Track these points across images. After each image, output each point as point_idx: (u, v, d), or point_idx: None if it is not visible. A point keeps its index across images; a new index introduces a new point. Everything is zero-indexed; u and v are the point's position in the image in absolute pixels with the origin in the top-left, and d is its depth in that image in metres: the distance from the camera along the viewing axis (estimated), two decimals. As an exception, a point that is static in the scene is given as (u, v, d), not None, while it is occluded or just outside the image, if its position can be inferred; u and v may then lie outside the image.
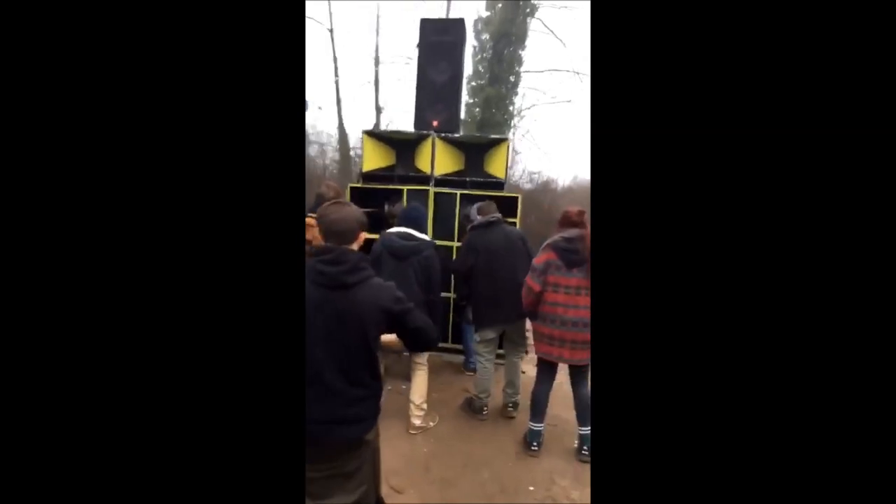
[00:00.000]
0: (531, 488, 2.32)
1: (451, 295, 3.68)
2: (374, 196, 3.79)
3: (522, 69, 11.08)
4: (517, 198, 3.68)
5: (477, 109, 10.32)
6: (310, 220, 2.79)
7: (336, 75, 10.07)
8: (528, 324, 2.79)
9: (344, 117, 10.53)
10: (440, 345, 3.82)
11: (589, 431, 2.55)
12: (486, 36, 10.46)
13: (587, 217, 2.40)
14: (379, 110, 10.57)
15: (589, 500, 2.25)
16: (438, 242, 3.11)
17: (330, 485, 1.39)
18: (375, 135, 3.94)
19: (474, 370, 3.62)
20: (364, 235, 1.49)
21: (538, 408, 2.60)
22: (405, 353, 2.93)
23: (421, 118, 3.87)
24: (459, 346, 3.81)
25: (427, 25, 3.89)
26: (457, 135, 3.85)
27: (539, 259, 2.44)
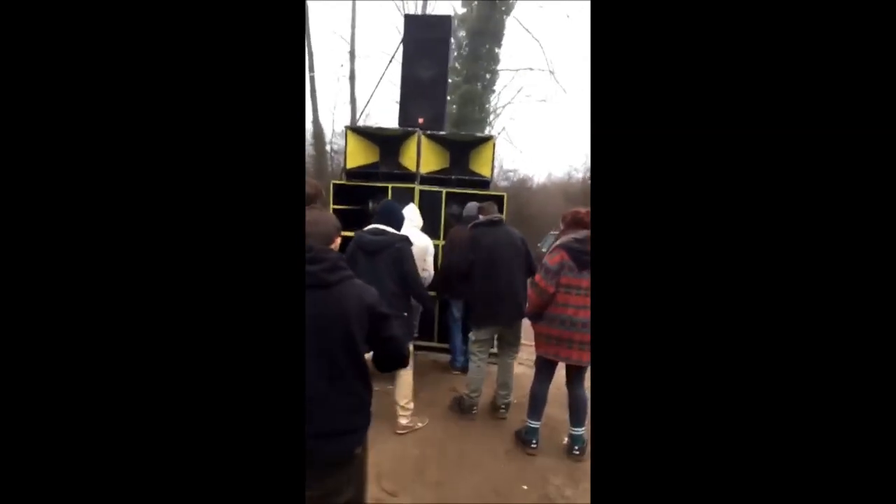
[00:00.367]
0: (525, 487, 2.33)
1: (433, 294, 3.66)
2: (358, 193, 3.72)
3: (499, 67, 11.15)
4: (503, 196, 3.67)
5: (454, 107, 10.31)
6: None
7: (311, 70, 9.84)
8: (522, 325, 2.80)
9: (319, 112, 10.33)
10: (427, 344, 3.80)
11: (581, 432, 2.57)
12: (462, 33, 10.46)
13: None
14: (355, 105, 10.41)
15: (583, 499, 2.27)
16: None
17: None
18: (359, 131, 3.86)
19: (461, 369, 3.62)
20: (339, 239, 1.46)
21: (537, 405, 2.60)
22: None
23: (406, 115, 3.82)
24: (446, 346, 3.79)
25: (412, 21, 3.85)
26: (442, 132, 3.82)
27: (553, 260, 2.41)
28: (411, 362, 2.68)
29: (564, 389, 2.63)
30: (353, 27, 10.34)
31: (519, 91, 11.78)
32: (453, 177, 3.78)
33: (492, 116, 11.64)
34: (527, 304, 2.60)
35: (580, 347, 2.38)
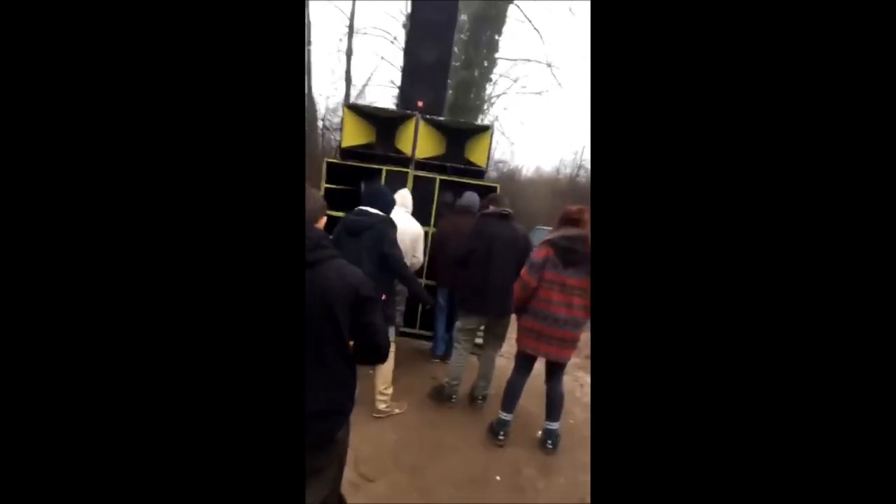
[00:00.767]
0: (498, 478, 2.37)
1: (424, 281, 3.65)
2: (352, 174, 3.66)
3: (497, 55, 11.03)
4: (496, 188, 3.67)
5: (450, 92, 10.19)
6: None
7: (308, 42, 9.56)
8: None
9: (314, 87, 10.08)
10: (409, 330, 3.80)
11: (556, 427, 2.62)
12: (464, 17, 10.30)
13: (587, 216, 2.42)
14: (350, 82, 10.20)
15: (554, 491, 2.33)
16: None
17: None
18: (357, 110, 3.79)
19: (441, 357, 3.64)
20: (325, 219, 1.41)
21: (511, 399, 2.64)
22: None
23: (405, 97, 3.76)
24: (428, 333, 3.80)
25: (418, 3, 3.76)
26: (441, 118, 3.77)
27: (538, 254, 2.43)
28: (392, 347, 2.69)
29: (542, 384, 2.67)
30: (353, 2, 10.08)
31: (515, 81, 11.70)
32: (449, 164, 3.75)
33: (486, 105, 11.57)
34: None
35: (559, 344, 2.41)
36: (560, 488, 2.36)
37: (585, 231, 2.39)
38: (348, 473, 1.78)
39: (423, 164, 3.70)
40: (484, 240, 2.74)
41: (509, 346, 3.54)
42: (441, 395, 3.01)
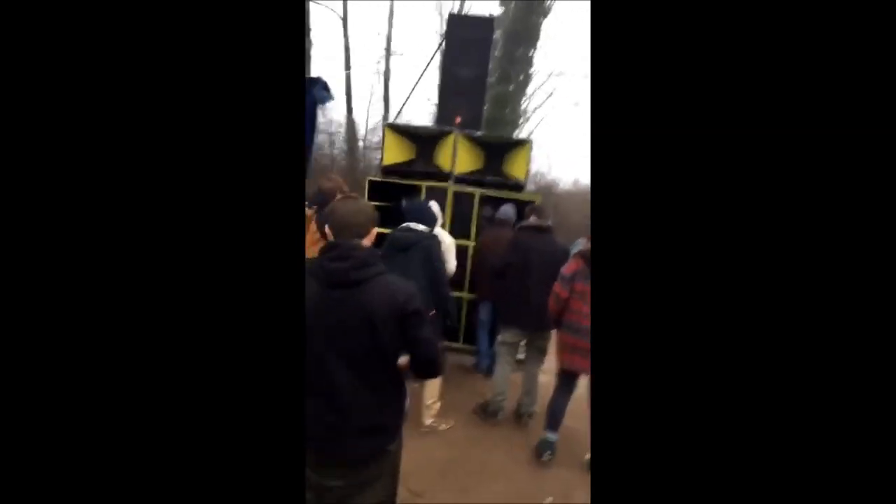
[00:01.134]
0: (550, 499, 2.29)
1: (465, 294, 3.64)
2: (392, 190, 3.73)
3: (532, 69, 11.05)
4: (535, 201, 3.63)
5: (485, 107, 10.26)
6: (307, 213, 2.73)
7: (347, 66, 9.93)
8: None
9: (353, 107, 10.42)
10: (451, 344, 3.78)
11: None
12: (497, 33, 10.40)
13: None
14: (388, 103, 10.47)
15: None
16: (455, 242, 3.07)
17: (348, 494, 1.32)
18: (397, 128, 3.87)
19: (485, 372, 3.59)
20: (376, 231, 1.38)
21: (555, 418, 2.56)
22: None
23: (443, 114, 3.81)
24: (471, 347, 3.77)
25: (455, 21, 3.83)
26: (479, 133, 3.79)
27: (568, 268, 2.43)
28: None
29: (588, 403, 2.57)
30: (390, 25, 10.40)
31: (550, 95, 11.67)
32: (487, 178, 3.75)
33: (522, 119, 11.57)
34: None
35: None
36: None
37: None
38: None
39: (462, 179, 3.72)
40: (521, 252, 2.73)
41: (551, 363, 3.46)
42: (486, 412, 2.96)
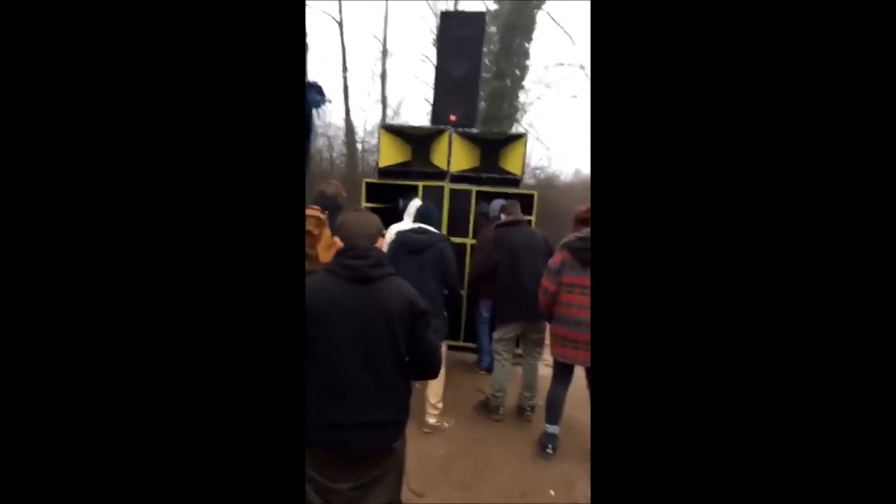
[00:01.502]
0: (552, 492, 2.31)
1: (464, 291, 3.66)
2: (389, 191, 3.75)
3: (528, 62, 10.98)
4: (533, 195, 3.65)
5: (483, 103, 10.23)
6: (309, 212, 2.75)
7: (344, 68, 9.94)
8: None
9: (351, 110, 10.44)
10: (453, 343, 3.80)
11: None
12: (493, 28, 10.35)
13: None
14: (386, 104, 10.47)
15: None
16: (454, 240, 3.09)
17: (355, 497, 1.36)
18: (392, 129, 3.89)
19: (487, 369, 3.62)
20: (381, 240, 1.53)
21: (554, 409, 2.58)
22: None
23: (438, 113, 3.82)
24: (473, 345, 3.79)
25: (447, 19, 3.83)
26: (474, 130, 3.80)
27: (555, 260, 2.45)
28: (443, 360, 2.72)
29: (587, 392, 2.60)
30: (385, 26, 10.38)
31: (549, 87, 11.59)
32: (483, 175, 3.76)
33: (520, 113, 11.51)
34: None
35: (586, 347, 2.35)
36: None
37: None
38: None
39: (458, 177, 3.74)
40: (504, 250, 2.79)
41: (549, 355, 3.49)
42: (488, 408, 2.99)
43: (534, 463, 2.54)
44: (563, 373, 2.56)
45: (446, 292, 2.61)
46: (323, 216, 2.71)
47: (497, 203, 3.37)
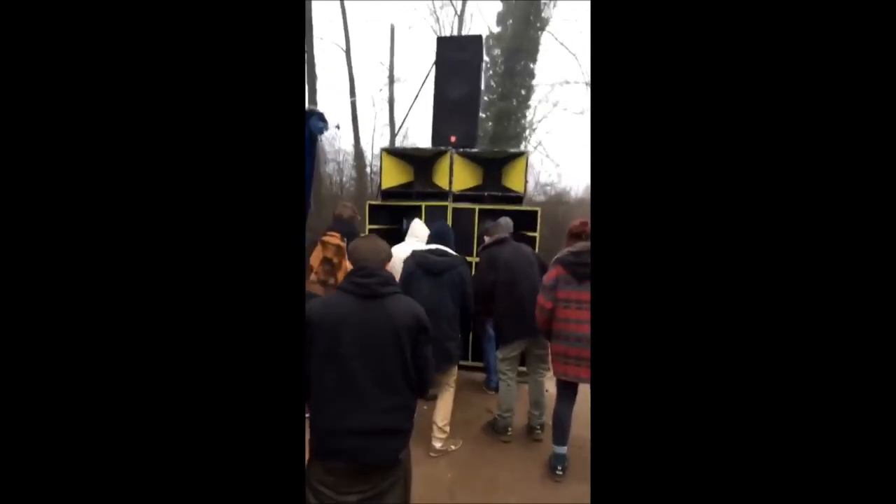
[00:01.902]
0: (561, 514, 2.24)
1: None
2: (392, 213, 3.78)
3: (534, 82, 11.12)
4: (537, 212, 3.64)
5: (489, 124, 10.34)
6: (329, 239, 2.78)
7: (352, 95, 10.19)
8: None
9: (360, 135, 10.65)
10: (461, 363, 3.75)
11: None
12: (497, 51, 10.54)
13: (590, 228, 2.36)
14: (394, 128, 10.66)
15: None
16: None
17: None
18: (394, 152, 3.94)
19: (496, 389, 3.55)
20: (389, 265, 1.64)
21: (561, 430, 2.51)
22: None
23: (438, 134, 3.87)
24: (480, 364, 3.74)
25: (444, 43, 3.92)
26: (474, 149, 3.83)
27: (549, 276, 2.42)
28: (454, 382, 2.71)
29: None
30: (391, 52, 10.64)
31: (555, 105, 11.69)
32: (486, 193, 3.78)
33: (528, 131, 11.59)
34: None
35: (587, 364, 2.29)
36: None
37: (590, 242, 2.32)
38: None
39: (460, 196, 3.76)
40: (498, 268, 2.78)
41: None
42: (496, 429, 2.93)
43: (543, 485, 2.47)
44: (566, 391, 2.50)
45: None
46: (343, 244, 2.74)
47: (503, 220, 3.37)
